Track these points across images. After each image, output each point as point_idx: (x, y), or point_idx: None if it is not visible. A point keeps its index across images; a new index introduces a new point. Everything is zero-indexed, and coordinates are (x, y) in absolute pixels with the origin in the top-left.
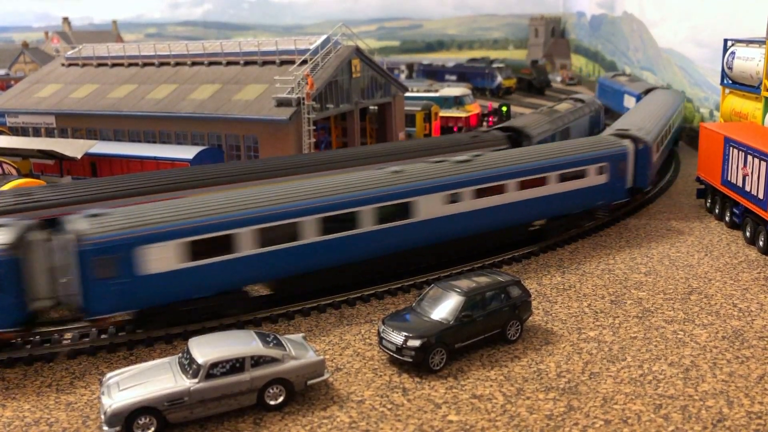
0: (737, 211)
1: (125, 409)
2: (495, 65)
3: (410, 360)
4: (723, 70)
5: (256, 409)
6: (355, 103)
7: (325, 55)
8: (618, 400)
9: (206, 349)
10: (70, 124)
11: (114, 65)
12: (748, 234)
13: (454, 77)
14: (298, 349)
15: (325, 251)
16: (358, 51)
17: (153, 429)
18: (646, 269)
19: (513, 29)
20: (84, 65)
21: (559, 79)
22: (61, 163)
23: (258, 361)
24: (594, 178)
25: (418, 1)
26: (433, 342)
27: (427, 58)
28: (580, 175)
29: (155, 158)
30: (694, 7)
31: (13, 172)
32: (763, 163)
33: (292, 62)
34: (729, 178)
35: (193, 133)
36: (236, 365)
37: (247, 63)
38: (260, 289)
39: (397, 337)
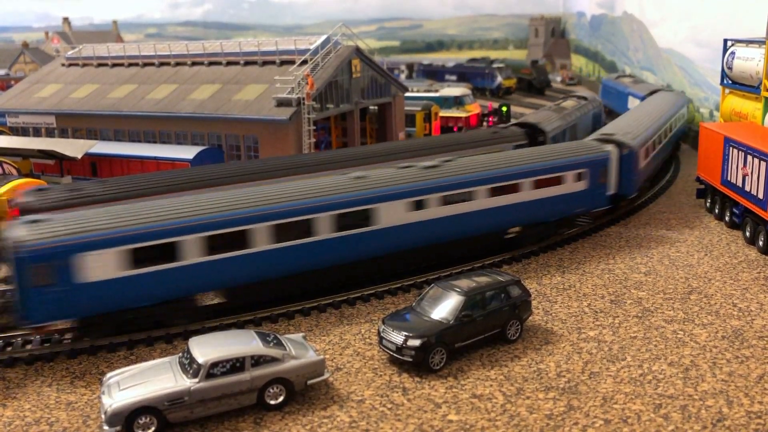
0: (737, 211)
1: (125, 409)
2: (495, 65)
3: (410, 360)
4: (723, 70)
5: (256, 409)
6: (355, 103)
7: (325, 55)
8: (618, 399)
9: (206, 348)
10: (71, 124)
11: (114, 65)
12: (747, 234)
13: (454, 77)
14: (299, 349)
15: (278, 260)
16: (358, 51)
17: (153, 428)
18: (646, 269)
19: (513, 29)
20: (84, 65)
21: (559, 79)
22: (62, 163)
23: (258, 360)
24: (571, 184)
25: (418, 1)
26: (433, 342)
27: (427, 58)
28: (557, 182)
29: (155, 158)
30: (694, 7)
31: (14, 172)
32: (763, 163)
33: (292, 62)
34: (729, 178)
35: (193, 133)
36: (236, 365)
37: (247, 63)
38: (213, 297)
39: (397, 337)
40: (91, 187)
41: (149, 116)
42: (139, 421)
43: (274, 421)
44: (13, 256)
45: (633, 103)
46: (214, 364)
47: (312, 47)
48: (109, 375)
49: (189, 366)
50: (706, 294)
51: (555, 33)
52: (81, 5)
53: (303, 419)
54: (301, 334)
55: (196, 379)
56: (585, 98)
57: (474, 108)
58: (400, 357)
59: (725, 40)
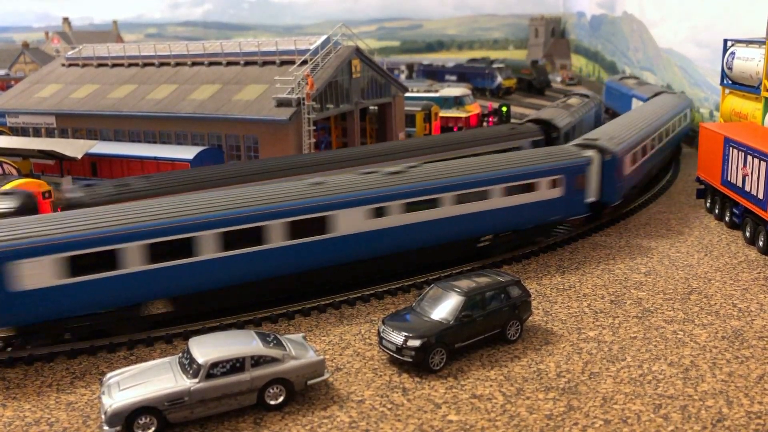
0: (737, 211)
1: (126, 409)
2: (495, 65)
3: (410, 360)
4: (723, 70)
5: (256, 409)
6: (355, 103)
7: (325, 56)
8: (618, 399)
9: (206, 348)
10: (71, 124)
11: (114, 65)
12: (747, 234)
13: (454, 77)
14: (298, 349)
15: (226, 268)
16: (358, 51)
17: (153, 429)
18: (646, 269)
19: (513, 29)
20: (84, 65)
21: (559, 79)
22: (62, 163)
23: (258, 360)
24: (546, 191)
25: (418, 1)
26: (433, 342)
27: (427, 59)
28: (530, 189)
29: (155, 158)
30: (694, 7)
31: (14, 172)
32: (763, 163)
33: (292, 62)
34: (729, 179)
35: (193, 134)
36: (236, 365)
37: (247, 63)
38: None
39: (397, 337)
40: (137, 183)
41: (149, 116)
42: (139, 422)
43: (274, 422)
44: None
45: (637, 105)
46: (214, 365)
47: (312, 47)
48: (109, 375)
49: (189, 366)
50: (706, 294)
51: (555, 33)
52: (81, 5)
53: (303, 419)
54: (301, 335)
55: (196, 380)
56: (587, 96)
57: (474, 108)
58: (400, 357)
59: (725, 40)
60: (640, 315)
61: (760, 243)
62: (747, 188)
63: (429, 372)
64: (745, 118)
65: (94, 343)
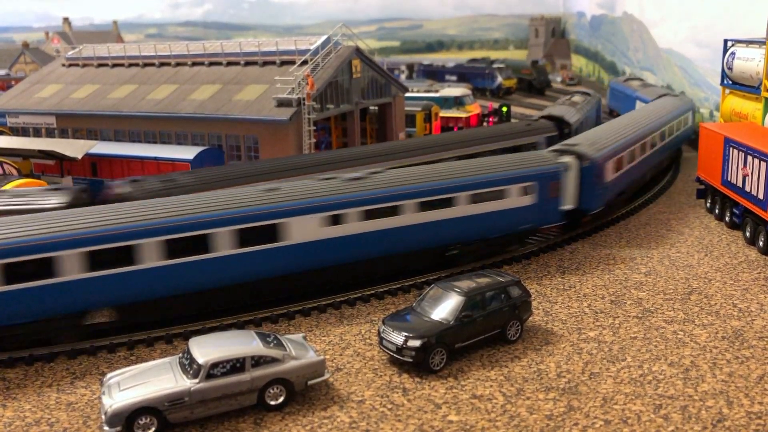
0: (737, 212)
1: (126, 409)
2: (495, 65)
3: (410, 360)
4: (723, 70)
5: (256, 409)
6: (356, 103)
7: (325, 56)
8: (618, 400)
9: (207, 349)
10: (71, 124)
11: (114, 65)
12: (748, 234)
13: (454, 77)
14: (299, 349)
15: (170, 277)
16: (358, 51)
17: (153, 429)
18: (646, 269)
19: (513, 29)
20: (84, 65)
21: (559, 79)
22: (62, 163)
23: (258, 361)
24: (516, 199)
25: (418, 1)
26: (434, 342)
27: (428, 59)
28: (498, 196)
29: (156, 159)
30: (694, 7)
31: (14, 172)
32: (763, 164)
33: (292, 62)
34: (729, 179)
35: (194, 134)
36: (237, 365)
37: (247, 63)
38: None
39: (398, 337)
40: (183, 178)
41: (149, 116)
42: (140, 422)
43: (274, 422)
44: None
45: (640, 107)
46: (215, 365)
47: (312, 47)
48: (109, 375)
49: (189, 366)
50: (706, 294)
51: (555, 33)
52: (81, 5)
53: (303, 420)
54: (302, 335)
55: (197, 380)
56: (589, 94)
57: (474, 108)
58: (401, 357)
59: (725, 41)
60: (640, 315)
61: (761, 243)
62: (747, 188)
63: (429, 372)
64: (745, 118)
65: (95, 343)
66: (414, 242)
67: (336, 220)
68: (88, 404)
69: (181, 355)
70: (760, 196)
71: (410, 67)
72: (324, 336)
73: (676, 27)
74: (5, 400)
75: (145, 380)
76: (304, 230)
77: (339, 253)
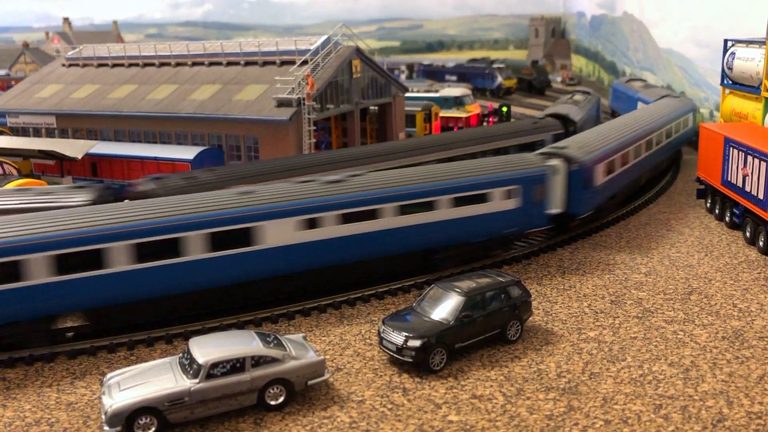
0: (737, 212)
1: (126, 409)
2: (495, 65)
3: (410, 360)
4: (723, 70)
5: (256, 409)
6: (356, 103)
7: (325, 56)
8: (618, 400)
9: (207, 349)
10: (71, 124)
11: (114, 65)
12: (748, 234)
13: (454, 77)
14: (299, 349)
15: (141, 281)
16: (358, 51)
17: (154, 429)
18: (646, 269)
19: (513, 29)
20: (84, 65)
21: (559, 79)
22: (62, 163)
23: (258, 361)
24: (499, 203)
25: (418, 1)
26: (434, 342)
27: (428, 59)
28: (480, 200)
29: (156, 159)
30: (694, 7)
31: (14, 172)
32: (763, 164)
33: (292, 62)
34: (729, 179)
35: (194, 134)
36: (237, 365)
37: (247, 63)
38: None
39: (398, 337)
40: (204, 175)
41: (150, 116)
42: (140, 422)
43: (274, 422)
44: None
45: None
46: (215, 365)
47: (312, 47)
48: (109, 375)
49: (189, 366)
50: (706, 294)
51: (555, 33)
52: (81, 5)
53: (303, 420)
54: (302, 335)
55: (197, 380)
56: (589, 92)
57: (474, 108)
58: (401, 357)
59: (725, 41)
60: (640, 315)
61: (761, 243)
62: (747, 188)
63: (429, 372)
64: (745, 118)
65: (95, 343)
66: (393, 247)
67: (312, 224)
68: (88, 404)
69: (181, 355)
70: (760, 196)
71: (410, 67)
72: (324, 336)
73: (676, 27)
74: (5, 400)
75: (145, 380)
76: (279, 234)
77: (315, 257)
